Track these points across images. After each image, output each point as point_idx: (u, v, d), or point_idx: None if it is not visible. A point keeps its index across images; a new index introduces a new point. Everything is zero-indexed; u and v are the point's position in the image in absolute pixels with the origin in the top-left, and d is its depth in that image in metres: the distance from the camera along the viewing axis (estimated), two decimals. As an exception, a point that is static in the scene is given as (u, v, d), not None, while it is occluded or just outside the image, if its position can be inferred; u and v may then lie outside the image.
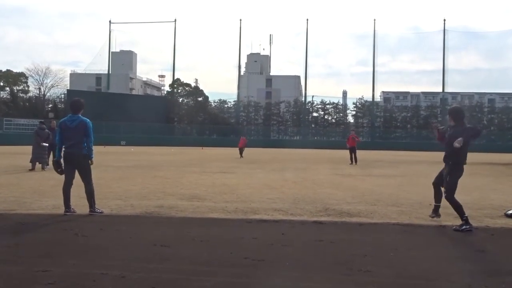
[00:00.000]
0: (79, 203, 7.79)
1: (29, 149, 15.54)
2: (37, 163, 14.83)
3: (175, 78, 71.36)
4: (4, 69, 72.84)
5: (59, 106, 66.54)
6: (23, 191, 9.32)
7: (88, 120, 7.03)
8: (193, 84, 79.52)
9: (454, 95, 78.61)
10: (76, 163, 6.98)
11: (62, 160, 7.14)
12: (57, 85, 74.86)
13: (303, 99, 69.69)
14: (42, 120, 17.57)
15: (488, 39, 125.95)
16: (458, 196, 6.39)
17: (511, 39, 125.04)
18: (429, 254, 4.91)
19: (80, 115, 7.07)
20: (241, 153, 26.96)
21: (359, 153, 21.95)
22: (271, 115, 70.24)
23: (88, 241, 5.28)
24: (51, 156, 15.07)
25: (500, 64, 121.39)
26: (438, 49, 65.89)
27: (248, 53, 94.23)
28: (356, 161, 20.93)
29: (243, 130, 56.93)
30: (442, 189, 6.54)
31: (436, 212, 6.79)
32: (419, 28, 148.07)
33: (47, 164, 15.50)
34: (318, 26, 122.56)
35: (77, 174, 7.02)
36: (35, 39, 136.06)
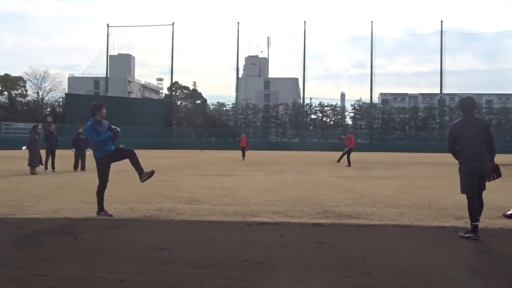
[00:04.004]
0: (78, 207, 7.81)
1: (25, 153, 15.62)
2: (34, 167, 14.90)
3: (173, 81, 71.23)
4: (2, 74, 72.81)
5: (57, 110, 66.43)
6: (22, 196, 9.31)
7: (88, 122, 7.18)
8: (191, 87, 79.50)
9: (452, 96, 78.73)
10: None
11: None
12: (55, 89, 74.79)
13: (301, 101, 69.67)
14: (36, 124, 17.35)
15: (484, 40, 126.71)
16: (456, 196, 6.39)
17: (507, 40, 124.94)
18: (428, 256, 4.91)
19: (94, 118, 7.25)
20: (243, 154, 26.99)
21: (357, 155, 21.96)
22: (270, 118, 70.18)
23: (87, 245, 5.28)
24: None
25: (497, 65, 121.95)
26: (434, 50, 65.86)
27: (246, 55, 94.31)
28: (339, 161, 21.06)
29: (242, 130, 56.88)
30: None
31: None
32: (415, 30, 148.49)
33: (46, 168, 15.55)
34: (315, 28, 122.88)
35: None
36: (33, 43, 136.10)
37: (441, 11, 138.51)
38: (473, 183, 5.85)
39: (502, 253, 5.22)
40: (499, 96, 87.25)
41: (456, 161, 6.10)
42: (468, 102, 6.10)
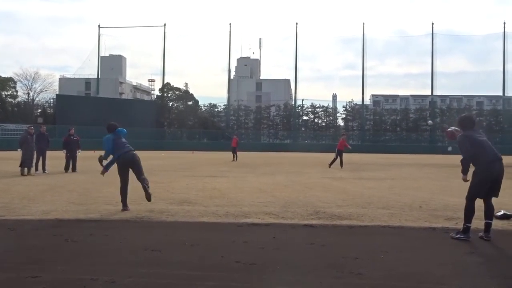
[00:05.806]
0: (68, 208, 7.76)
1: (15, 154, 15.46)
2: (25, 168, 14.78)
3: (165, 82, 71.02)
4: (-8, 74, 72.11)
5: (48, 111, 66.00)
6: (12, 197, 9.23)
7: (108, 135, 8.07)
8: (183, 88, 79.34)
9: (443, 98, 79.27)
10: None
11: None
12: (46, 90, 74.34)
13: (293, 102, 69.79)
14: (30, 125, 17.40)
15: (474, 43, 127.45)
16: (446, 197, 6.43)
17: (496, 43, 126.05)
18: (419, 256, 4.94)
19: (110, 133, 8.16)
20: (234, 154, 26.93)
21: (349, 156, 21.97)
22: (262, 119, 70.23)
23: (78, 246, 5.25)
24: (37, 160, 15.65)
25: (487, 67, 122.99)
26: (425, 52, 66.18)
27: (238, 57, 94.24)
28: (333, 163, 20.64)
29: (234, 131, 56.98)
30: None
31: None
32: (405, 32, 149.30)
33: (37, 169, 15.44)
34: (307, 30, 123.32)
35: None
36: (23, 44, 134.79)
37: (432, 13, 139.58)
38: (485, 188, 5.85)
39: (493, 254, 5.26)
40: (489, 98, 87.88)
41: (454, 163, 6.11)
42: (469, 119, 6.22)
